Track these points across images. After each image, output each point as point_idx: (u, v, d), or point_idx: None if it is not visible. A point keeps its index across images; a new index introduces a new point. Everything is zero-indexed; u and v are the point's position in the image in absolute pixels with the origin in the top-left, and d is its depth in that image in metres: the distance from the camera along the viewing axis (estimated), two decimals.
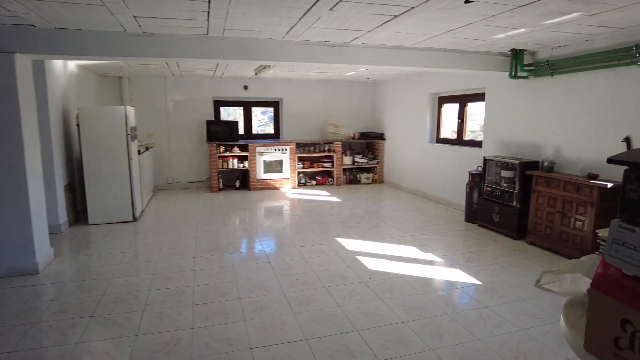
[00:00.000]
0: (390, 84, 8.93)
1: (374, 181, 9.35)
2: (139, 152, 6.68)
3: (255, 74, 7.38)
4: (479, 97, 6.44)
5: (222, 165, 8.37)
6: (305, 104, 9.37)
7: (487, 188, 5.58)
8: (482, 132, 6.46)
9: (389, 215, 6.40)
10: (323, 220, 6.04)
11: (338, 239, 5.13)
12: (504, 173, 5.30)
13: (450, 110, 7.47)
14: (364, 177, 9.21)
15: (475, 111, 6.79)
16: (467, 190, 5.99)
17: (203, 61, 4.79)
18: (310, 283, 3.79)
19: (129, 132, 5.82)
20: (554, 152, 4.95)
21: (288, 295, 3.54)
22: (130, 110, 6.08)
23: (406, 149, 8.37)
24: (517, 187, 5.11)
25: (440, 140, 7.53)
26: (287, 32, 4.11)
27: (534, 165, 5.07)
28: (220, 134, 8.46)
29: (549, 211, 4.67)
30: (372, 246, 4.87)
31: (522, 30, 3.99)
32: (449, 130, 7.55)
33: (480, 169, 5.98)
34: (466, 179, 6.33)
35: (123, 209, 5.92)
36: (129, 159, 5.87)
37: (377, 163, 9.31)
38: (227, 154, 8.35)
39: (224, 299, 3.46)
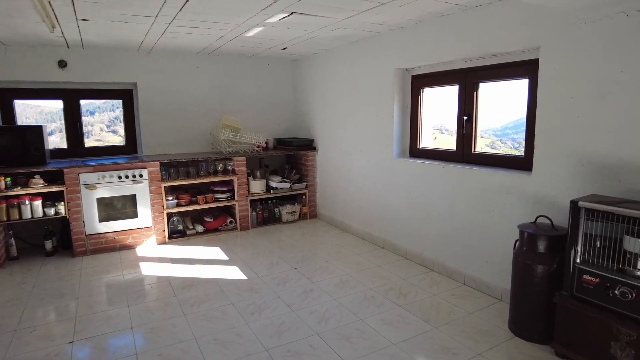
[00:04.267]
0: (323, 59, 5.47)
1: (302, 216, 5.84)
2: None
3: (52, 25, 3.42)
4: (511, 69, 3.23)
5: (9, 214, 4.24)
6: (180, 93, 5.53)
7: (588, 277, 2.36)
8: (511, 141, 3.30)
9: (358, 323, 2.93)
10: None
11: None
12: None
13: (437, 99, 4.23)
14: (285, 211, 5.64)
15: (496, 97, 3.60)
16: (518, 268, 2.75)
17: None
18: None
19: None
20: None
21: None
22: None
23: (355, 166, 4.98)
24: None
25: (420, 154, 4.26)
26: None
27: None
28: (4, 152, 4.33)
29: None
30: None
31: None
32: (441, 134, 4.33)
33: (542, 221, 2.76)
34: (489, 230, 3.13)
35: None
36: None
37: (307, 187, 5.81)
38: (18, 191, 4.23)
39: None
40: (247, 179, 5.33)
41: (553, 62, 2.77)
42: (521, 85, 3.25)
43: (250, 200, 5.40)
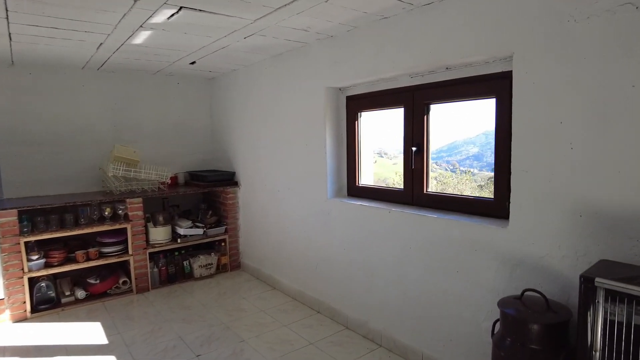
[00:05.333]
0: (243, 77, 4.55)
1: (220, 268, 4.74)
2: None
3: None
4: (472, 85, 2.48)
5: None
6: (61, 117, 4.31)
7: None
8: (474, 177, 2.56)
9: None
10: None
11: None
12: None
13: (379, 123, 3.44)
14: (198, 264, 4.52)
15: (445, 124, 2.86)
16: None
17: None
18: None
19: None
20: None
21: None
22: None
23: (284, 206, 4.04)
24: None
25: (360, 192, 3.40)
26: None
27: None
28: None
29: None
30: None
31: None
32: (380, 158, 3.54)
33: (531, 294, 1.94)
34: (451, 299, 2.32)
35: None
36: None
37: (226, 232, 4.75)
38: None
39: None
40: (146, 226, 4.18)
41: (532, 74, 2.03)
42: (464, 105, 2.54)
43: (151, 253, 4.24)
